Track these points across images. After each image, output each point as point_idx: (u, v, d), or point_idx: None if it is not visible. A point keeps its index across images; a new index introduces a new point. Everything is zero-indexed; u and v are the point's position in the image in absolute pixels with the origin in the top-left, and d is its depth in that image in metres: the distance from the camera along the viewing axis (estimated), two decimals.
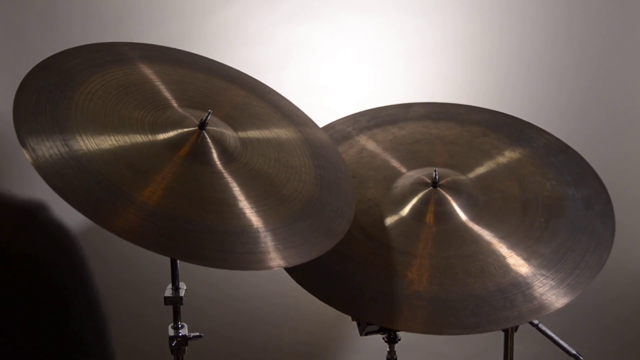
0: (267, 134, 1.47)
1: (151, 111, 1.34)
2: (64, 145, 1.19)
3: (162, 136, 1.30)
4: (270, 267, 1.22)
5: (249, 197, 1.30)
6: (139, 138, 1.28)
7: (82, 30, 1.80)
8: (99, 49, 1.43)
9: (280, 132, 1.49)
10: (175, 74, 1.47)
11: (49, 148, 1.17)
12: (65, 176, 1.15)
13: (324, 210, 1.38)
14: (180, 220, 1.19)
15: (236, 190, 1.30)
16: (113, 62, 1.41)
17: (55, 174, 1.14)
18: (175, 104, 1.39)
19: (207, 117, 1.32)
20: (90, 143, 1.22)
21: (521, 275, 1.36)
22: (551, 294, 1.33)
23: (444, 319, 1.31)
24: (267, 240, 1.25)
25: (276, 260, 1.24)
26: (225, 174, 1.31)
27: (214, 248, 1.19)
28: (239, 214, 1.26)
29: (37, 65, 1.32)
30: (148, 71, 1.43)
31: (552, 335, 1.53)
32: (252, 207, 1.29)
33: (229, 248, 1.21)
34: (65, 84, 1.30)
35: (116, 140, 1.25)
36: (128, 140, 1.26)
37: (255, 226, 1.26)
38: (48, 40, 1.76)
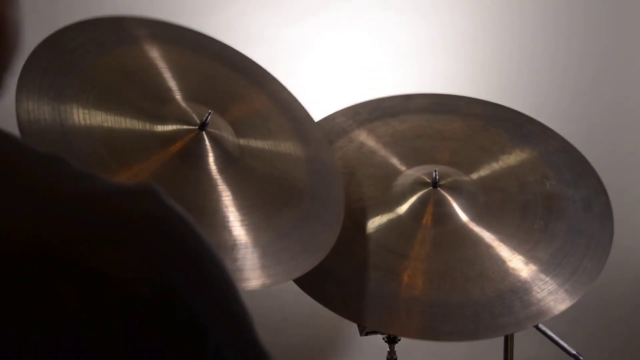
0: (266, 135, 1.43)
1: (155, 100, 1.28)
2: (56, 110, 1.16)
3: (158, 128, 1.24)
4: (250, 287, 1.18)
5: (238, 207, 1.25)
6: (134, 124, 1.22)
7: None
8: (105, 25, 1.37)
9: (279, 131, 1.46)
10: (182, 59, 1.40)
11: (40, 112, 1.14)
12: (43, 142, 1.11)
13: (313, 224, 1.34)
14: None
15: (226, 199, 1.24)
16: (119, 41, 1.34)
17: (34, 137, 1.11)
18: (179, 96, 1.32)
19: (207, 117, 1.27)
20: (82, 116, 1.17)
21: (519, 281, 1.35)
22: (549, 300, 1.32)
23: (441, 325, 1.30)
24: (255, 257, 1.21)
25: (259, 279, 1.19)
26: (216, 180, 1.25)
27: None
28: (224, 223, 1.21)
29: (43, 42, 1.26)
30: (155, 54, 1.36)
31: (552, 335, 1.53)
32: (238, 219, 1.23)
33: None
34: (69, 67, 1.25)
35: (110, 121, 1.20)
36: (123, 124, 1.21)
37: (246, 240, 1.22)
38: None
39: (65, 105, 1.17)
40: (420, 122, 1.65)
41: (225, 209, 1.23)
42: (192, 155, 1.25)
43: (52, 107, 1.16)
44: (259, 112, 1.45)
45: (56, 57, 1.24)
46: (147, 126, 1.23)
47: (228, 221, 1.22)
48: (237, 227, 1.22)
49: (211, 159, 1.27)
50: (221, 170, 1.27)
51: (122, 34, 1.36)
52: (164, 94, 1.31)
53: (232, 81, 1.47)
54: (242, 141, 1.35)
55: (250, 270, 1.19)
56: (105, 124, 1.19)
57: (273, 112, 1.49)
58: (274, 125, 1.45)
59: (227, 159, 1.29)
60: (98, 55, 1.30)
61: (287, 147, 1.44)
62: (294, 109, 1.56)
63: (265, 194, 1.32)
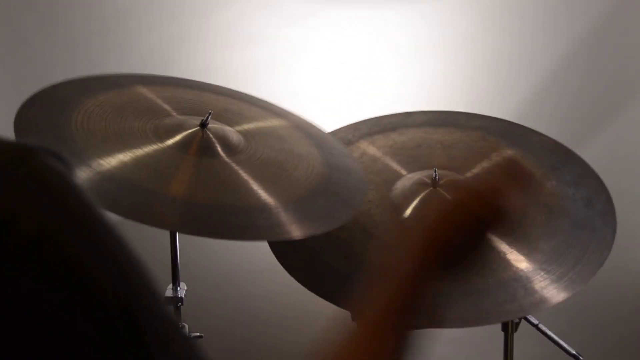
0: (268, 129, 1.50)
1: (150, 120, 1.39)
2: (93, 170, 1.26)
3: (169, 141, 1.35)
4: (294, 237, 1.31)
5: (263, 181, 1.36)
6: (148, 148, 1.33)
7: (83, 31, 1.80)
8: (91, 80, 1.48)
9: (280, 128, 1.51)
10: (166, 91, 1.51)
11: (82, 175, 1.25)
12: (107, 192, 1.24)
13: (337, 187, 1.44)
14: (212, 206, 1.29)
15: (251, 176, 1.36)
16: (106, 87, 1.45)
17: (98, 194, 1.22)
18: (173, 113, 1.43)
19: (208, 116, 1.34)
20: (110, 162, 1.28)
21: (522, 270, 1.36)
22: (552, 288, 1.33)
23: (445, 313, 1.31)
24: (289, 215, 1.31)
25: (299, 230, 1.30)
26: (236, 165, 1.37)
27: (241, 224, 1.30)
28: (258, 196, 1.33)
29: (29, 100, 1.35)
30: (142, 89, 1.48)
31: (552, 335, 1.53)
32: (267, 189, 1.34)
33: (252, 224, 1.30)
34: (59, 111, 1.35)
35: (129, 155, 1.31)
36: (141, 152, 1.32)
37: (275, 203, 1.32)
38: (48, 40, 1.76)
39: (81, 162, 1.27)
40: (419, 134, 1.68)
41: (248, 183, 1.35)
42: (208, 150, 1.37)
43: (88, 169, 1.27)
44: (238, 110, 1.55)
45: (44, 119, 1.35)
46: (159, 144, 1.35)
47: (256, 191, 1.34)
48: (267, 195, 1.34)
49: (220, 149, 1.38)
50: (233, 155, 1.38)
51: (103, 83, 1.48)
52: (159, 113, 1.42)
53: (221, 101, 1.57)
54: (237, 128, 1.45)
55: (287, 225, 1.31)
56: (125, 159, 1.31)
57: (268, 117, 1.58)
58: (253, 113, 1.56)
59: (235, 145, 1.40)
60: (87, 96, 1.41)
61: (278, 123, 1.55)
62: (289, 114, 1.63)
63: (281, 167, 1.42)
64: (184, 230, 1.29)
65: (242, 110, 1.54)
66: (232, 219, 1.31)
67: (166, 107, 1.44)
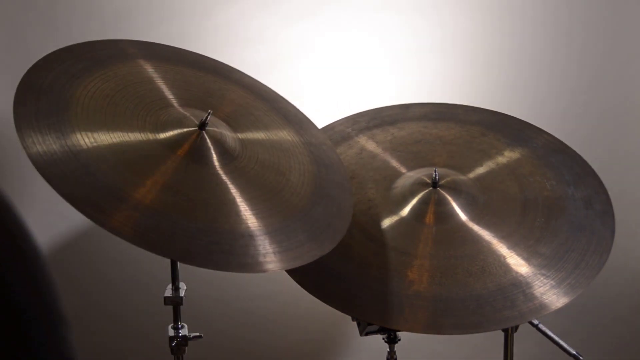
0: (268, 137, 1.46)
1: (152, 110, 1.33)
2: (63, 141, 1.18)
3: (162, 135, 1.29)
4: (264, 271, 1.22)
5: (247, 199, 1.29)
6: (138, 136, 1.27)
7: (82, 30, 1.80)
8: (102, 47, 1.43)
9: (282, 135, 1.49)
10: (176, 72, 1.46)
11: (48, 145, 1.17)
12: (62, 172, 1.14)
13: (320, 215, 1.37)
14: (175, 219, 1.17)
15: (234, 192, 1.28)
16: (115, 58, 1.39)
17: (52, 170, 1.14)
18: (176, 103, 1.38)
19: (206, 117, 1.31)
20: (89, 140, 1.21)
21: (522, 275, 1.36)
22: (552, 294, 1.33)
23: (444, 318, 1.31)
24: (265, 244, 1.24)
25: (272, 263, 1.22)
26: (224, 176, 1.30)
27: (207, 249, 1.18)
28: (236, 216, 1.25)
29: (40, 60, 1.31)
30: (150, 69, 1.42)
31: (552, 335, 1.53)
32: (250, 210, 1.27)
33: (223, 249, 1.19)
34: (66, 82, 1.29)
35: (115, 138, 1.24)
36: (127, 138, 1.25)
37: (252, 228, 1.24)
38: (48, 40, 1.76)
39: (68, 134, 1.20)
40: (418, 128, 1.67)
41: (236, 200, 1.27)
42: (198, 155, 1.30)
43: (56, 137, 1.19)
44: (245, 107, 1.50)
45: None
46: (151, 135, 1.28)
47: (240, 211, 1.26)
48: (247, 216, 1.26)
49: (214, 156, 1.31)
50: (227, 165, 1.32)
51: (119, 52, 1.41)
52: (163, 102, 1.36)
53: (212, 83, 1.51)
54: (240, 135, 1.40)
55: (258, 256, 1.22)
56: (115, 141, 1.23)
57: (257, 105, 1.53)
58: (263, 116, 1.50)
59: (230, 153, 1.34)
60: (95, 70, 1.35)
61: (283, 135, 1.48)
62: (274, 98, 1.59)
63: (271, 182, 1.35)
64: (136, 241, 1.11)
65: (250, 109, 1.50)
66: (200, 240, 1.17)
67: (169, 95, 1.38)
